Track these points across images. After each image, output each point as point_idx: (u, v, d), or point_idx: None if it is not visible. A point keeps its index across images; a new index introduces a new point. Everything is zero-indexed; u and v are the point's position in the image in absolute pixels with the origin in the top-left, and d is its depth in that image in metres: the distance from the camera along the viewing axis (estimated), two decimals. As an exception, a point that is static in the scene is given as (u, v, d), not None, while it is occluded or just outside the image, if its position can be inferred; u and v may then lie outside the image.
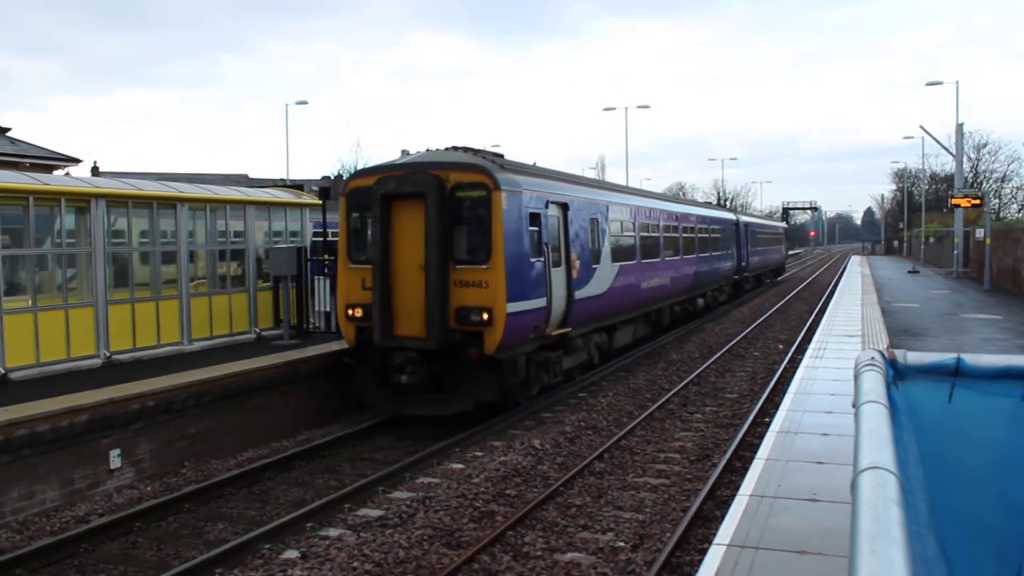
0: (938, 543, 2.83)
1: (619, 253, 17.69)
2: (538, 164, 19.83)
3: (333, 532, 8.71)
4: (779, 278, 55.46)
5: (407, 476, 10.66)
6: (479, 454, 11.71)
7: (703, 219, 27.98)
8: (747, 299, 38.34)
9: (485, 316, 12.27)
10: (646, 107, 61.28)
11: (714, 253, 28.98)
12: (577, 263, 14.89)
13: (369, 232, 13.19)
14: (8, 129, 25.83)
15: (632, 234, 18.86)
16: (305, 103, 48.73)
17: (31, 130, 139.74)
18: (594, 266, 15.85)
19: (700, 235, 26.56)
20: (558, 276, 14.14)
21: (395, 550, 8.16)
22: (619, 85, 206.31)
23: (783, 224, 63.68)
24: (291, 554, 8.14)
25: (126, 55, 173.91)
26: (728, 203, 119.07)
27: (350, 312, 13.26)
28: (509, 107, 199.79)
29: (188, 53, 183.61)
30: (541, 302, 13.38)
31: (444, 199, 12.48)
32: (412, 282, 12.59)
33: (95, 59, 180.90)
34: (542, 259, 13.49)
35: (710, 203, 37.62)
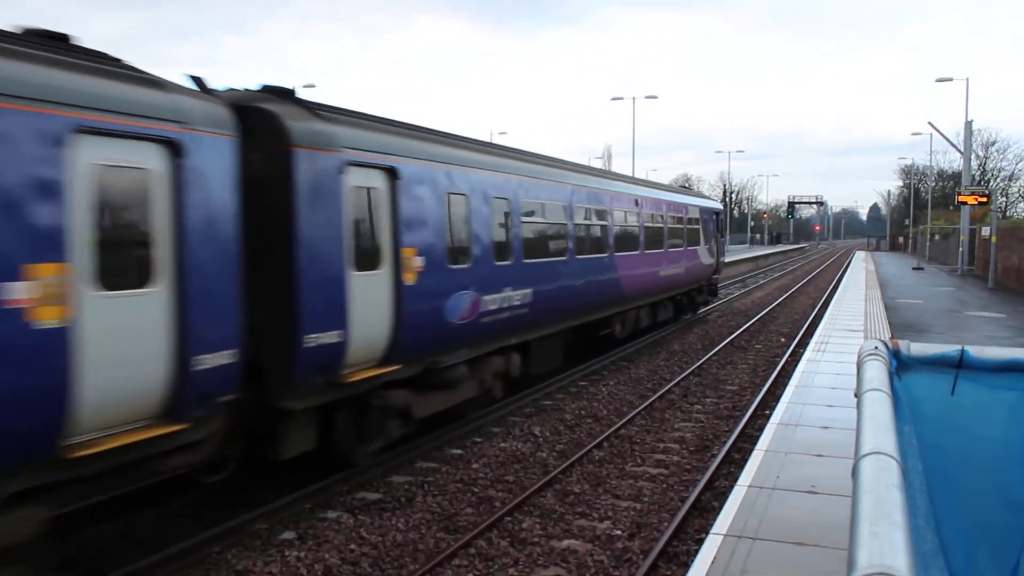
0: (936, 536, 2.81)
1: None
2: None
3: (331, 514, 8.72)
4: (697, 312, 27.06)
5: (406, 460, 10.67)
6: (478, 440, 11.71)
7: None
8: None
9: None
10: (654, 97, 61.46)
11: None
12: None
13: None
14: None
15: None
16: (313, 87, 48.65)
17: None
18: None
19: None
20: None
21: (392, 533, 8.18)
22: (627, 75, 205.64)
23: (710, 202, 30.05)
24: (288, 535, 8.15)
25: (123, 34, 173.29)
26: (733, 196, 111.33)
27: None
28: (515, 94, 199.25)
29: (188, 33, 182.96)
30: None
31: None
32: None
33: (91, 38, 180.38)
34: None
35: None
